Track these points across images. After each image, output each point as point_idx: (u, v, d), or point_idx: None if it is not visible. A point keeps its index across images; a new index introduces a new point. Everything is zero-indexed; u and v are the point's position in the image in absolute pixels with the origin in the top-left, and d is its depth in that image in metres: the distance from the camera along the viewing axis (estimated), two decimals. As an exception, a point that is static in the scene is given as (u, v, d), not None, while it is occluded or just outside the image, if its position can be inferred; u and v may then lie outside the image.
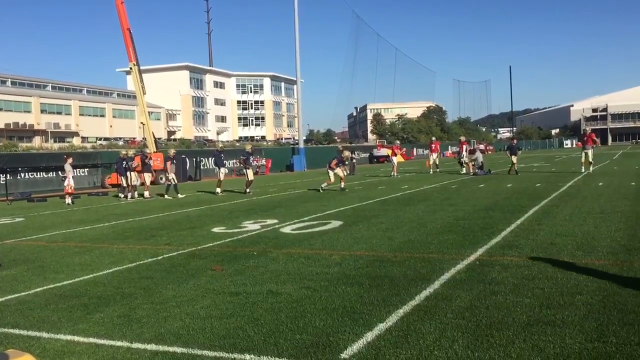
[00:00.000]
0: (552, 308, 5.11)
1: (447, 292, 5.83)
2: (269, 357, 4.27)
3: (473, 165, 27.49)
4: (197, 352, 4.44)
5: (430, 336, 4.54)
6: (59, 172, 28.76)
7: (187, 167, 36.06)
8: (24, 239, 11.44)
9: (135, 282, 7.06)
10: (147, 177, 22.86)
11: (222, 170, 22.12)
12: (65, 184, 20.77)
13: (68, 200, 20.46)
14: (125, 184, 22.01)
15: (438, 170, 30.96)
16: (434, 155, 31.26)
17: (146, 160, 22.67)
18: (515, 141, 29.20)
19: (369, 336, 4.61)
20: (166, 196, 20.92)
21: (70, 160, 21.41)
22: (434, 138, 35.63)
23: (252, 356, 4.30)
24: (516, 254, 7.57)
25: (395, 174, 28.88)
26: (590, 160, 23.95)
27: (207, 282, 6.84)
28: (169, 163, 21.66)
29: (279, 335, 4.75)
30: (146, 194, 22.06)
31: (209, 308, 5.67)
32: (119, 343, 4.76)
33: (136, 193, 22.16)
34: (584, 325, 4.63)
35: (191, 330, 5.00)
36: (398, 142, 38.97)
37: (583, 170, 24.37)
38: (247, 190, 21.18)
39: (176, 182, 21.67)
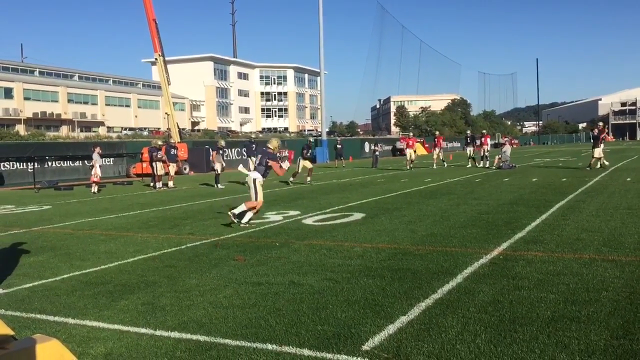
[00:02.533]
0: (577, 304, 5.04)
1: (470, 286, 5.79)
2: (291, 347, 4.29)
3: (500, 158, 27.19)
4: (219, 341, 4.48)
5: (453, 330, 4.51)
6: (86, 161, 29.24)
7: (210, 158, 36.26)
8: (50, 227, 11.64)
9: (159, 270, 7.13)
10: (172, 168, 23.05)
11: (255, 160, 22.00)
12: (92, 172, 21.06)
13: (94, 189, 20.75)
14: (154, 173, 22.28)
15: (445, 165, 30.81)
16: (437, 150, 31.46)
17: (172, 151, 22.85)
18: (595, 131, 24.10)
19: (391, 328, 4.60)
20: (219, 185, 21.18)
21: (98, 150, 21.68)
22: (437, 133, 35.31)
23: (273, 346, 4.33)
24: (541, 249, 7.48)
25: (407, 168, 28.74)
26: (595, 156, 23.02)
27: (230, 272, 6.89)
28: (214, 153, 21.90)
29: (300, 325, 4.77)
30: (170, 184, 22.25)
31: (232, 297, 5.71)
32: (143, 330, 4.83)
33: (161, 183, 22.35)
34: (609, 322, 4.56)
35: (214, 319, 5.04)
36: (411, 134, 38.75)
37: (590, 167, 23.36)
38: (308, 179, 21.55)
39: (219, 172, 21.83)
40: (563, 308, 4.95)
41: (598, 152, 22.65)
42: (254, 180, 10.74)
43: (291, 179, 21.04)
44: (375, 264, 7.00)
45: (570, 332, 4.36)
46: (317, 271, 6.71)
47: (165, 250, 8.45)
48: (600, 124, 24.37)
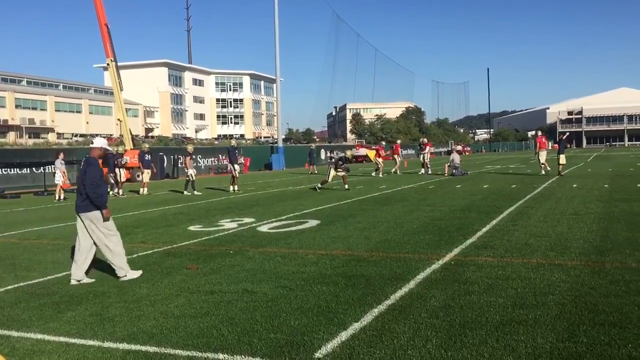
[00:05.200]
0: (524, 308, 5.16)
1: (422, 291, 5.86)
2: (243, 357, 4.25)
3: (449, 166, 27.71)
4: (169, 352, 4.40)
5: (405, 336, 4.55)
6: (34, 169, 28.35)
7: (165, 164, 35.75)
8: (-5, 236, 11.22)
9: (108, 280, 6.96)
10: (146, 174, 22.34)
11: (236, 167, 21.52)
12: (57, 180, 20.44)
13: (62, 195, 20.16)
14: (114, 181, 21.81)
15: (398, 172, 31.32)
16: (397, 157, 32.53)
17: (145, 157, 22.38)
18: (563, 137, 25.59)
19: (344, 335, 4.61)
20: (185, 192, 20.70)
21: (61, 156, 21.09)
22: (399, 141, 36.73)
23: (225, 356, 4.27)
24: (491, 254, 7.64)
25: (381, 175, 28.99)
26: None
27: (182, 280, 6.78)
28: (188, 159, 21.48)
29: (253, 334, 4.73)
30: (144, 190, 21.86)
31: (183, 307, 5.62)
32: (90, 342, 4.69)
33: (122, 190, 21.89)
34: (555, 325, 4.69)
35: (164, 329, 4.95)
36: (383, 143, 39.22)
37: (543, 172, 24.73)
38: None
39: (194, 178, 21.31)
40: (511, 312, 5.06)
41: (562, 158, 23.57)
42: None
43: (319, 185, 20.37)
44: (329, 270, 7.01)
45: (518, 336, 4.45)
46: (271, 279, 6.67)
47: (116, 260, 8.25)
48: (566, 133, 25.54)
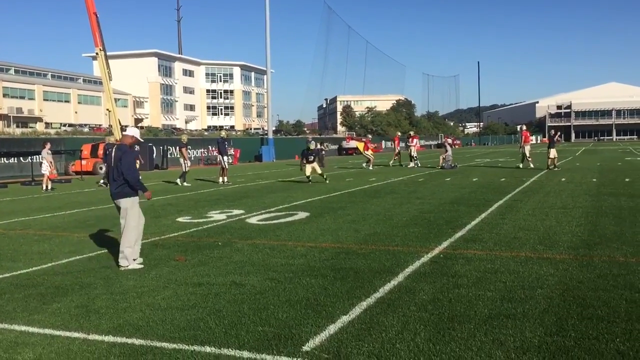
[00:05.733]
0: (513, 301, 5.15)
1: (411, 284, 5.84)
2: (230, 350, 4.21)
3: (444, 158, 27.73)
4: (156, 344, 4.35)
5: (393, 329, 4.53)
6: (21, 158, 28.08)
7: (154, 155, 35.54)
8: (-20, 226, 11.09)
9: (95, 271, 6.89)
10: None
11: (225, 158, 21.44)
12: (44, 170, 20.23)
13: (49, 185, 19.98)
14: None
15: (396, 164, 31.41)
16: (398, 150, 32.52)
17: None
18: (552, 132, 25.61)
19: (332, 329, 4.58)
20: (183, 183, 20.57)
21: (48, 146, 20.89)
22: (412, 132, 36.24)
23: (212, 349, 4.23)
24: (480, 247, 7.64)
25: (371, 167, 28.98)
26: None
27: (170, 272, 6.72)
28: (184, 149, 21.33)
29: (240, 327, 4.69)
30: None
31: (170, 299, 5.57)
32: (75, 334, 4.63)
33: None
34: (543, 319, 4.69)
35: (151, 321, 4.89)
36: (370, 136, 39.20)
37: (531, 165, 25.15)
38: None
39: (186, 169, 21.22)
40: (500, 305, 5.06)
41: (553, 152, 23.73)
42: None
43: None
44: (318, 263, 6.98)
45: (507, 330, 4.44)
46: (260, 271, 6.63)
47: (103, 251, 8.19)
48: (552, 131, 25.82)
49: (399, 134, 36.92)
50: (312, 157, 19.80)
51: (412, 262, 6.87)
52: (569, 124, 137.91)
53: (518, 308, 4.96)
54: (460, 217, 10.49)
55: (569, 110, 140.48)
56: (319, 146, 37.43)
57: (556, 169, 23.55)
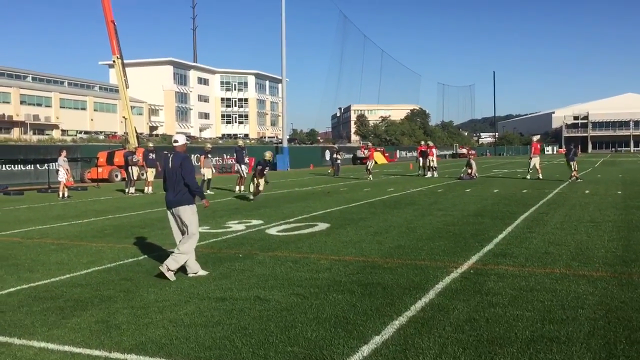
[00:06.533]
0: (555, 323, 4.88)
1: (444, 302, 5.58)
2: (259, 372, 3.98)
3: (469, 173, 27.04)
4: (181, 365, 4.14)
5: (430, 352, 4.28)
6: (38, 165, 28.14)
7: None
8: (-2, 234, 10.99)
9: (114, 284, 6.71)
10: (150, 173, 22.06)
11: (244, 167, 21.10)
12: (60, 177, 20.18)
13: (66, 193, 19.93)
14: (130, 178, 21.70)
15: (422, 173, 30.89)
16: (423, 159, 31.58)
17: (150, 156, 22.08)
18: (572, 146, 26.43)
19: (365, 350, 4.34)
20: (209, 191, 20.19)
21: (64, 154, 20.84)
22: (427, 143, 34.80)
23: (240, 371, 4.01)
24: (511, 262, 7.36)
25: (370, 178, 28.58)
26: (532, 167, 25.29)
27: (191, 285, 6.52)
28: (203, 157, 21.06)
29: (268, 346, 4.46)
30: (149, 189, 21.49)
31: (193, 315, 5.36)
32: (96, 352, 4.44)
33: (133, 188, 21.68)
34: (590, 342, 4.41)
35: (174, 339, 4.68)
36: (370, 144, 38.86)
37: (529, 177, 25.60)
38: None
39: (207, 178, 20.65)
40: (541, 327, 4.78)
41: (574, 165, 23.52)
42: None
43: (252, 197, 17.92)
44: (343, 277, 6.74)
45: (552, 354, 4.18)
46: (284, 286, 6.41)
47: (122, 262, 8.01)
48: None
49: (430, 143, 34.99)
50: (267, 170, 17.47)
51: (441, 277, 6.61)
52: (586, 134, 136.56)
53: (561, 330, 4.69)
54: (486, 230, 10.19)
55: (585, 121, 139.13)
56: (335, 155, 37.28)
57: (578, 180, 23.14)
